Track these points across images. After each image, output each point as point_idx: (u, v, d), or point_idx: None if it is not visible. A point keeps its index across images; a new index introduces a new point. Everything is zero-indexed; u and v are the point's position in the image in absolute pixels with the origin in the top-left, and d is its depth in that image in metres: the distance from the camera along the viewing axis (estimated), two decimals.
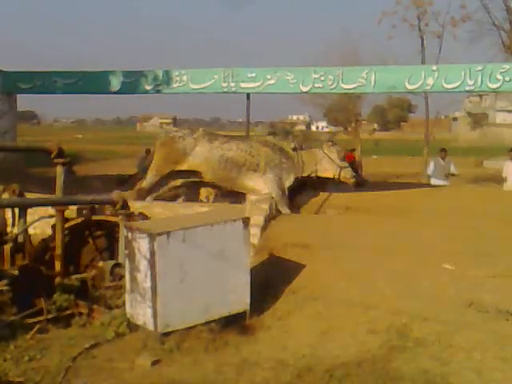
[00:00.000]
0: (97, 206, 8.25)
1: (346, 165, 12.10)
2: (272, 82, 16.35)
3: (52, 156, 7.88)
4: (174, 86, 17.10)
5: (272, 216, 9.50)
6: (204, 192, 12.26)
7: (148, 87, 17.36)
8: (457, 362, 5.29)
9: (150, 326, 6.13)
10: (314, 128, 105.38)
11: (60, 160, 7.91)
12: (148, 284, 6.12)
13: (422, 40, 26.01)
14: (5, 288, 6.84)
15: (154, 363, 5.63)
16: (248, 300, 6.69)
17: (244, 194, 11.16)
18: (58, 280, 7.45)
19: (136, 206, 8.87)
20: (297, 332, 6.36)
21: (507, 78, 14.89)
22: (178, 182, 11.64)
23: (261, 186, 11.31)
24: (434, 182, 15.43)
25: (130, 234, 6.42)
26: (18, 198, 7.93)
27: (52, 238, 7.89)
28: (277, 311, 6.90)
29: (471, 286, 6.66)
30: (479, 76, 14.96)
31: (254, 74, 16.51)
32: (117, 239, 7.87)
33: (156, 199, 11.07)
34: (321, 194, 12.32)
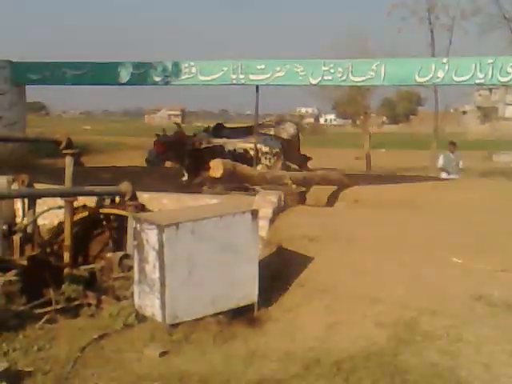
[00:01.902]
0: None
1: None
2: (281, 74, 16.24)
3: (61, 147, 7.89)
4: (183, 77, 17.03)
5: (280, 208, 9.48)
6: None
7: (157, 79, 17.31)
8: (465, 356, 5.28)
9: (159, 318, 6.15)
10: (322, 121, 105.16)
11: (69, 151, 7.92)
12: (156, 275, 6.13)
13: (432, 33, 25.93)
14: (14, 278, 6.87)
15: (162, 354, 5.65)
16: (256, 292, 6.69)
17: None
18: (66, 271, 7.49)
19: (144, 197, 8.87)
20: (305, 324, 6.36)
21: None
22: None
23: None
24: (443, 175, 15.38)
25: (138, 226, 6.44)
26: (28, 189, 7.96)
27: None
28: (285, 304, 6.91)
29: (480, 280, 6.64)
30: (490, 69, 14.82)
31: (263, 66, 16.42)
32: (125, 230, 7.89)
33: None
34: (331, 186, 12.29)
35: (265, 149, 12.22)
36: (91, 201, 8.43)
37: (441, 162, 15.67)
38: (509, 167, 19.26)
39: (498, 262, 7.09)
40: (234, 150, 12.85)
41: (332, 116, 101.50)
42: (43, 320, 6.45)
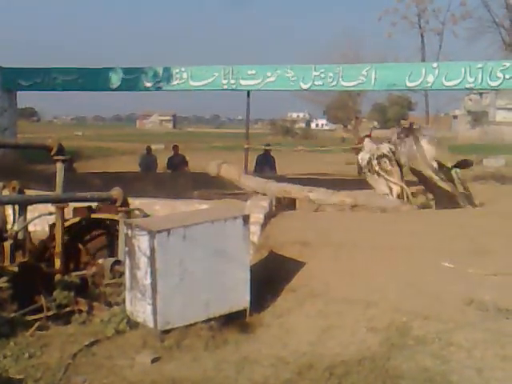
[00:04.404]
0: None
1: None
2: (272, 79, 16.32)
3: (52, 153, 7.87)
4: (174, 83, 17.09)
5: (272, 214, 9.49)
6: None
7: (148, 84, 17.36)
8: (457, 361, 5.28)
9: (150, 324, 6.14)
10: (313, 126, 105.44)
11: (60, 157, 7.90)
12: (148, 281, 6.12)
13: (423, 37, 26.08)
14: (5, 285, 6.84)
15: (154, 360, 5.63)
16: (248, 298, 6.69)
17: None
18: (57, 277, 7.45)
19: (136, 203, 8.86)
20: (297, 330, 6.36)
21: (507, 76, 14.88)
22: None
23: None
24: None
25: (129, 231, 6.42)
26: (18, 195, 7.92)
27: (50, 237, 7.91)
28: (277, 309, 6.90)
29: (471, 284, 6.65)
30: (479, 73, 14.93)
31: (253, 72, 16.49)
32: (117, 236, 7.87)
33: None
34: None
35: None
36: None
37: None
38: (499, 171, 19.33)
39: (490, 266, 7.11)
40: None
41: (323, 121, 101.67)
42: (34, 327, 6.42)
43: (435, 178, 11.33)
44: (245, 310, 6.69)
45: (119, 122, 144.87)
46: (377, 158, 11.38)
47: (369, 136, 12.80)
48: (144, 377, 5.31)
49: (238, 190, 11.70)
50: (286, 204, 10.72)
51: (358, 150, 12.71)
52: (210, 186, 12.69)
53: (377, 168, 11.36)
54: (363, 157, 11.62)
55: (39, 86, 18.10)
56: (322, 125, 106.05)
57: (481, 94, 69.70)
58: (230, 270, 6.57)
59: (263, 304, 6.94)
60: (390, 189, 11.31)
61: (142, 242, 6.17)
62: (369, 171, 11.41)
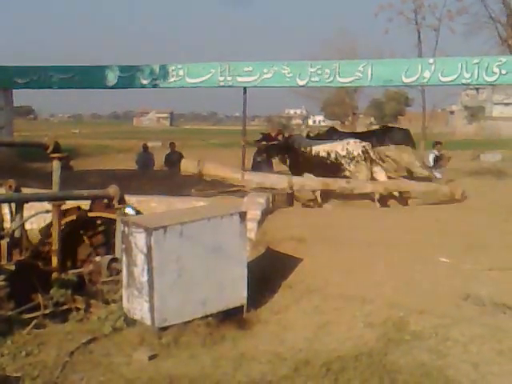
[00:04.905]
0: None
1: None
2: (269, 75, 16.24)
3: (48, 151, 7.85)
4: (171, 80, 17.00)
5: (269, 210, 9.49)
6: None
7: (144, 81, 17.27)
8: (453, 355, 5.30)
9: (147, 321, 6.14)
10: (311, 122, 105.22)
11: (56, 155, 7.88)
12: (145, 278, 6.12)
13: (419, 33, 26.06)
14: (2, 283, 6.83)
15: (151, 358, 5.63)
16: (245, 294, 6.69)
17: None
18: (54, 275, 7.45)
19: (132, 201, 8.86)
20: (294, 326, 6.37)
21: (504, 71, 14.83)
22: None
23: None
24: (438, 175, 15.45)
25: (126, 229, 6.42)
26: (15, 194, 7.91)
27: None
28: (274, 305, 6.91)
29: (468, 280, 6.67)
30: (476, 69, 14.89)
31: (250, 68, 16.42)
32: (114, 234, 7.86)
33: None
34: None
35: (342, 152, 12.93)
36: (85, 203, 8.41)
37: (431, 161, 15.80)
38: (495, 166, 19.36)
39: (485, 261, 7.13)
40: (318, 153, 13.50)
41: (321, 117, 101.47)
42: (31, 325, 6.42)
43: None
44: (242, 307, 6.69)
45: (116, 119, 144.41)
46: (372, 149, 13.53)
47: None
48: (141, 374, 5.31)
49: (235, 187, 11.70)
50: (283, 200, 10.75)
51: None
52: (207, 183, 12.68)
53: (374, 157, 13.58)
54: (353, 148, 13.61)
55: (35, 84, 17.99)
56: (320, 121, 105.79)
57: (477, 89, 69.77)
58: (226, 267, 6.57)
59: (260, 300, 6.95)
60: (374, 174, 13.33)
61: (139, 239, 6.17)
62: (363, 160, 13.41)
